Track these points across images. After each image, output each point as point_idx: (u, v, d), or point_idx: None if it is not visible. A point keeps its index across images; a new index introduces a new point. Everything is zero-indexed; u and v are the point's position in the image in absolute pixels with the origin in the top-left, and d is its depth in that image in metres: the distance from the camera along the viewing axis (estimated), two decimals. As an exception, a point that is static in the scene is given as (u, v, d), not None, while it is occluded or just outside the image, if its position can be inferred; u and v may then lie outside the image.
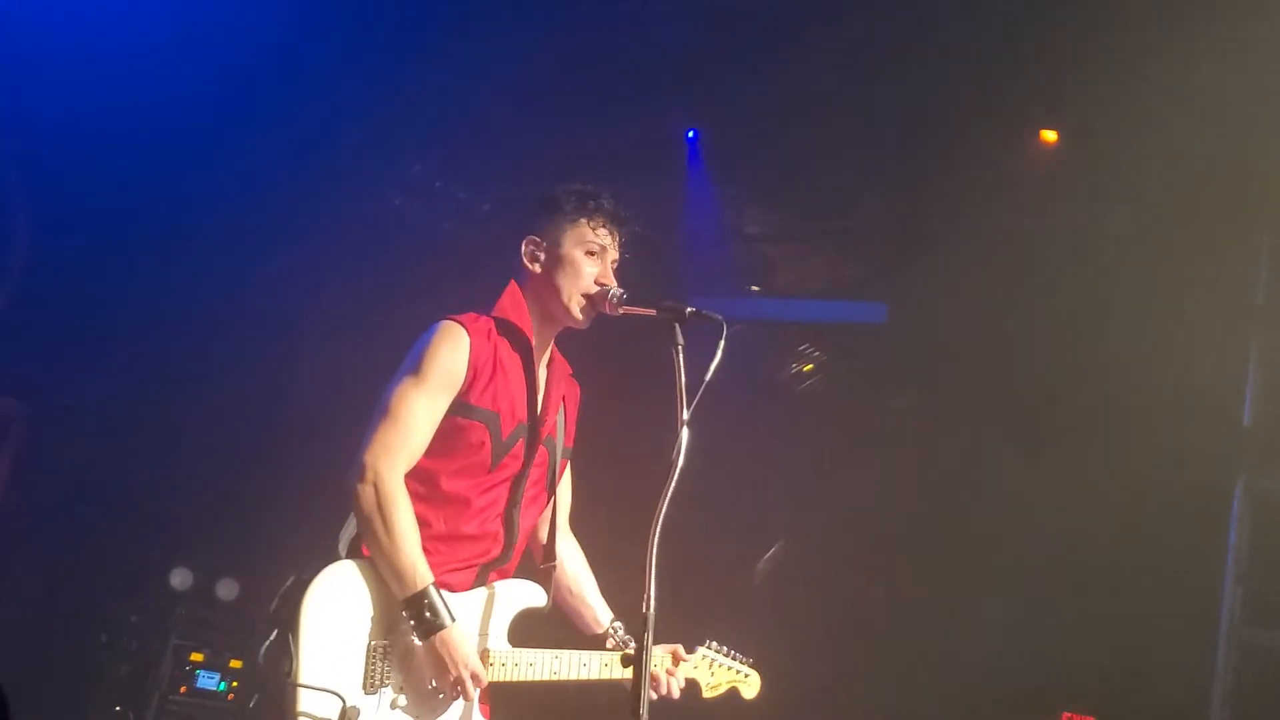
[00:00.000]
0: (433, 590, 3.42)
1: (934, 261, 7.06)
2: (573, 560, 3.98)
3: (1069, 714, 6.16)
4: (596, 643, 3.83)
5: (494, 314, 3.72)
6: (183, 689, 6.35)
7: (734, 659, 4.02)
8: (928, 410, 7.46)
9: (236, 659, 6.51)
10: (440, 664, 3.44)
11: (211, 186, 6.18)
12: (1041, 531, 6.49)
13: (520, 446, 3.67)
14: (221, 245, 6.28)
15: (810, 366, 8.05)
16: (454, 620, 3.44)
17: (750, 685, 4.07)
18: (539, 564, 3.87)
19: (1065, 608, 6.31)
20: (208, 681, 6.44)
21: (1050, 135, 6.74)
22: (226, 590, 6.55)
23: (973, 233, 6.91)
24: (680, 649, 3.88)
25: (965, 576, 6.62)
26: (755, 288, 7.94)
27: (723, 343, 3.32)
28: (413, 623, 3.42)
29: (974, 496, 6.81)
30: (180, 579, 6.42)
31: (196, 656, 6.42)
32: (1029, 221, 6.85)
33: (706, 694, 3.97)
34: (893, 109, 6.48)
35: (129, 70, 5.91)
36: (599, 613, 3.90)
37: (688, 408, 3.29)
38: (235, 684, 6.49)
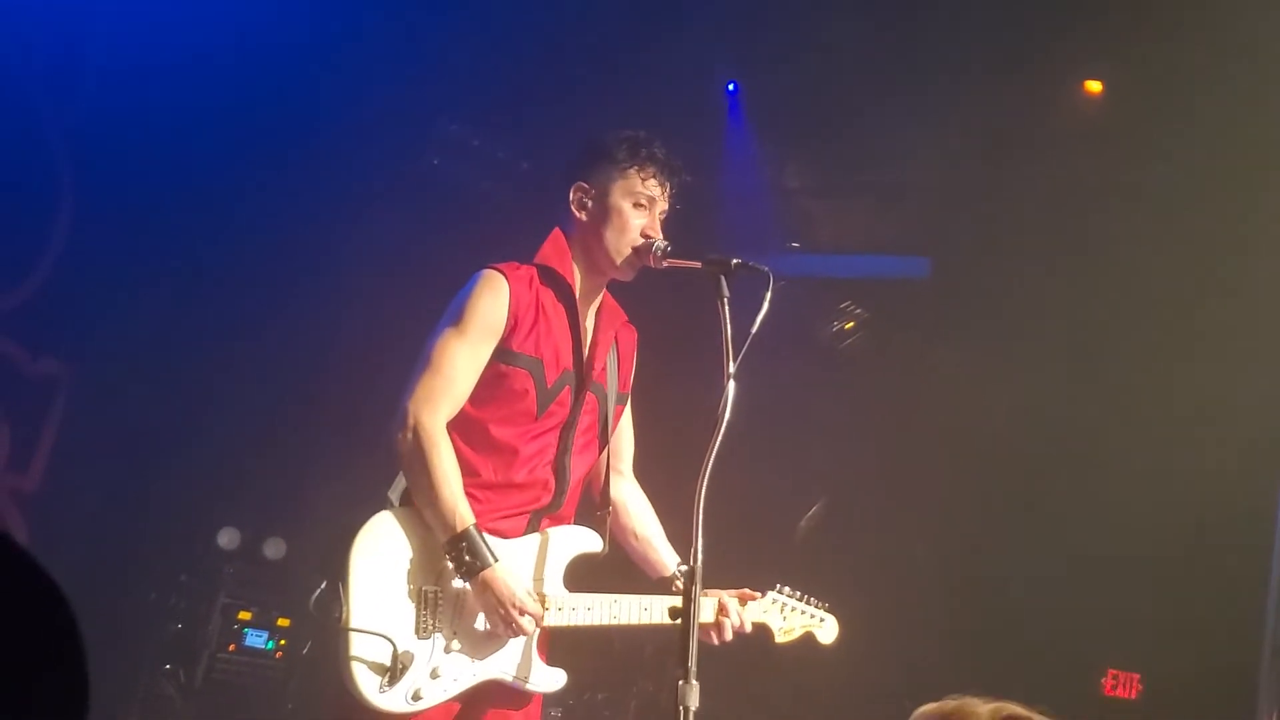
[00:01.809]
0: (473, 531, 3.42)
1: (977, 214, 6.98)
2: (637, 505, 3.94)
3: (1114, 670, 6.14)
4: (663, 587, 3.78)
5: (536, 261, 3.71)
6: (231, 647, 6.41)
7: (807, 603, 3.94)
8: (971, 366, 7.39)
9: (284, 618, 6.57)
10: (488, 604, 3.45)
11: (251, 147, 6.18)
12: (1088, 487, 6.44)
13: (567, 394, 3.66)
14: (262, 205, 6.29)
15: (852, 324, 7.99)
16: (497, 560, 3.44)
17: (827, 630, 3.98)
18: (597, 511, 3.86)
19: (1111, 563, 6.26)
20: (256, 640, 6.50)
21: (1095, 86, 6.63)
22: (274, 550, 6.60)
23: (1016, 184, 6.83)
24: (748, 591, 3.83)
25: (1010, 533, 6.59)
26: (795, 244, 7.88)
27: (769, 294, 3.29)
28: (453, 565, 3.44)
29: (1020, 453, 6.76)
30: (228, 538, 6.47)
31: (244, 615, 6.47)
32: (1074, 173, 6.75)
33: (779, 639, 3.90)
34: (935, 59, 6.39)
35: (167, 30, 5.91)
36: (665, 557, 3.85)
37: (734, 361, 3.27)
38: (283, 642, 6.56)
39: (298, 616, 6.55)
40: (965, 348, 7.30)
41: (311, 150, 6.35)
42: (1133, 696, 6.13)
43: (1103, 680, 6.16)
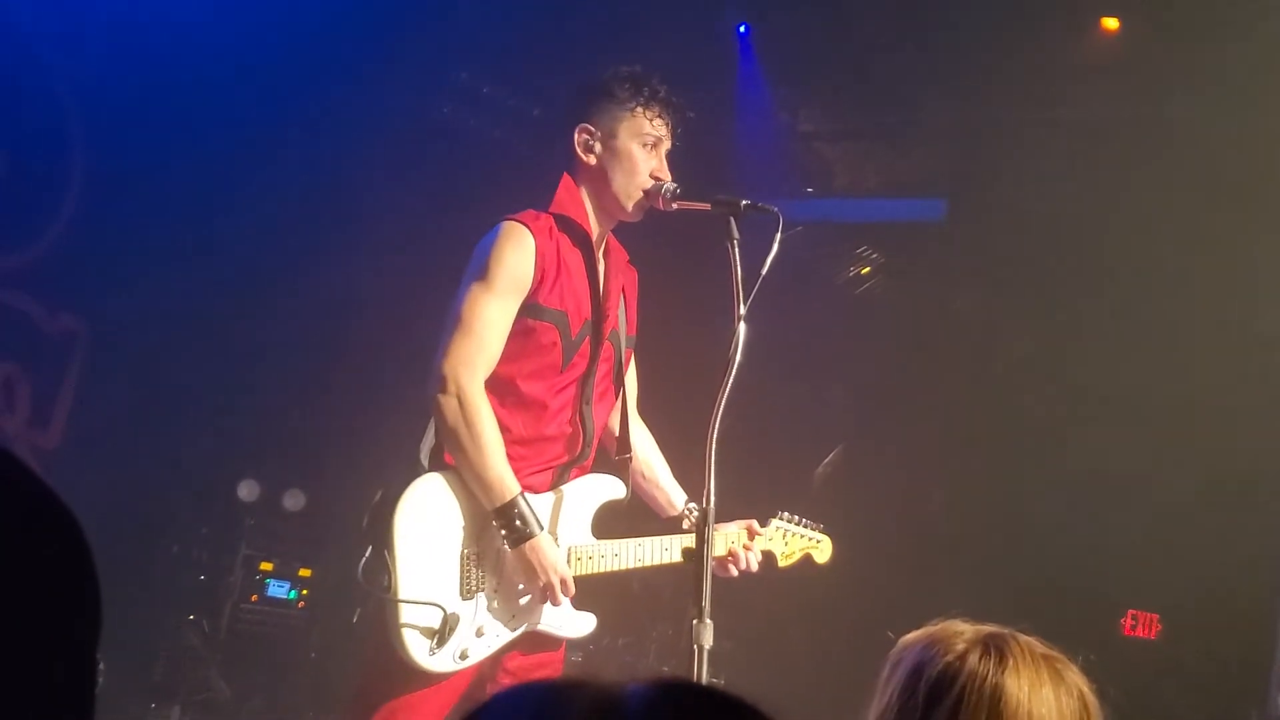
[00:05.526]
0: (521, 500, 3.45)
1: (993, 155, 6.92)
2: (644, 446, 3.96)
3: (1134, 610, 6.15)
4: (673, 526, 3.81)
5: (552, 210, 3.67)
6: (254, 597, 6.48)
7: (806, 526, 4.02)
8: (988, 309, 7.35)
9: (305, 568, 6.64)
10: (530, 570, 3.48)
11: (262, 100, 6.15)
12: (1106, 429, 6.41)
13: (587, 344, 3.66)
14: (275, 158, 6.26)
15: (867, 269, 7.96)
16: (543, 529, 3.48)
17: (822, 550, 4.08)
18: (614, 456, 3.87)
19: (1132, 505, 6.25)
20: (278, 590, 6.57)
21: (1112, 23, 6.54)
22: (293, 501, 6.65)
23: (1032, 124, 6.75)
24: (754, 524, 3.88)
25: (1030, 474, 6.57)
26: (810, 189, 7.83)
27: (779, 235, 3.27)
28: (504, 532, 3.46)
29: (1037, 395, 6.74)
30: (247, 490, 6.52)
31: (266, 566, 6.54)
32: (1091, 112, 6.67)
33: (782, 563, 3.98)
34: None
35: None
36: (673, 496, 3.88)
37: (744, 303, 3.26)
38: (305, 592, 6.62)
39: (319, 566, 6.61)
40: (981, 290, 7.26)
41: (324, 102, 6.33)
42: (1152, 636, 6.14)
43: (1122, 620, 6.18)
